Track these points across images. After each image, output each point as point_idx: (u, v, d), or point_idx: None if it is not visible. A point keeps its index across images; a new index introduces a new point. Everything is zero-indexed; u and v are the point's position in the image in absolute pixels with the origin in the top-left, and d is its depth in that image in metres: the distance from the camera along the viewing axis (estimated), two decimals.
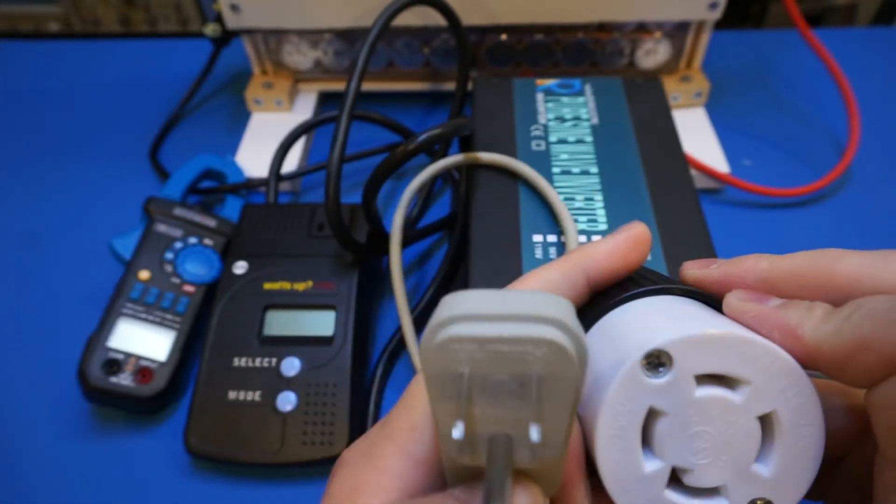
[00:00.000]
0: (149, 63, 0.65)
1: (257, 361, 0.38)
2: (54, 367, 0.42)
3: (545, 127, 0.42)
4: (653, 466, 0.16)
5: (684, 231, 0.35)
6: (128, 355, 0.38)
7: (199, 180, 0.50)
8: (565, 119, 0.42)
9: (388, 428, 0.16)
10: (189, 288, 0.42)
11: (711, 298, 0.19)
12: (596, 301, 0.19)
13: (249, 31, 0.53)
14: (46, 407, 0.40)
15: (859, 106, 0.50)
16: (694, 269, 0.19)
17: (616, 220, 0.36)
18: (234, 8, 0.50)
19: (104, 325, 0.39)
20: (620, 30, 0.52)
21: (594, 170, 0.39)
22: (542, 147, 0.40)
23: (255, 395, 0.37)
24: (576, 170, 0.39)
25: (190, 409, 0.37)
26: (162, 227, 0.43)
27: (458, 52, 0.47)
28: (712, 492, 0.16)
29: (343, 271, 0.41)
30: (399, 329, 0.41)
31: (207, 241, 0.44)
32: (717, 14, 0.49)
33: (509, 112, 0.43)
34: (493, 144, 0.40)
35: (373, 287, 0.44)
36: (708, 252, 0.34)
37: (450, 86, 0.55)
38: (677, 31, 0.52)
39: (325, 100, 0.59)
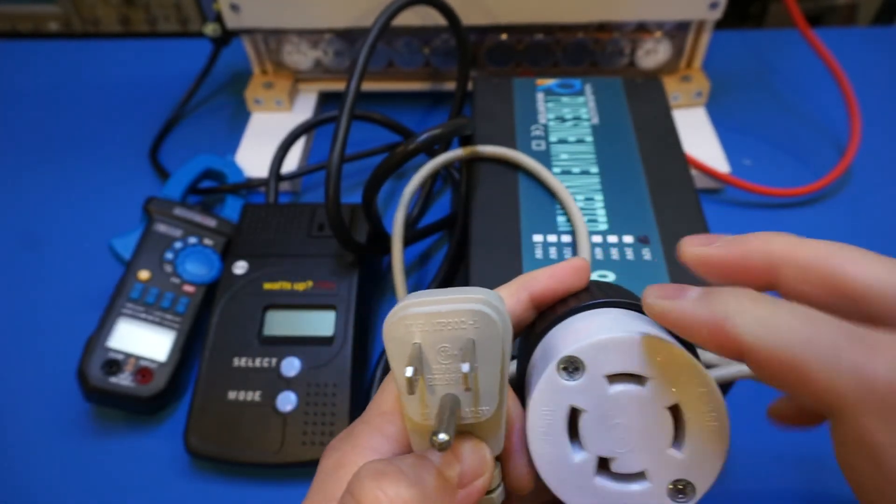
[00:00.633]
0: (149, 63, 0.65)
1: (257, 361, 0.38)
2: (54, 367, 0.42)
3: (545, 127, 0.42)
4: (580, 457, 0.18)
5: (684, 231, 0.35)
6: (127, 355, 0.38)
7: (199, 180, 0.50)
8: (565, 119, 0.42)
9: (365, 415, 0.20)
10: (189, 288, 0.42)
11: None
12: (545, 316, 0.22)
13: (249, 31, 0.53)
14: (46, 407, 0.40)
15: (860, 106, 0.50)
16: (694, 247, 0.19)
17: (616, 219, 0.36)
18: (234, 8, 0.50)
19: (104, 326, 0.39)
20: (620, 30, 0.52)
21: (594, 170, 0.39)
22: (543, 147, 0.40)
23: (255, 395, 0.37)
24: (576, 170, 0.39)
25: (190, 409, 0.37)
26: (162, 227, 0.43)
27: (458, 52, 0.47)
28: (637, 476, 0.18)
29: (343, 271, 0.40)
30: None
31: (207, 241, 0.44)
32: (717, 14, 0.49)
33: (509, 112, 0.43)
34: (493, 144, 0.40)
35: (373, 287, 0.44)
36: None
37: (450, 86, 0.55)
38: (677, 31, 0.52)
39: (325, 100, 0.59)
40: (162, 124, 0.57)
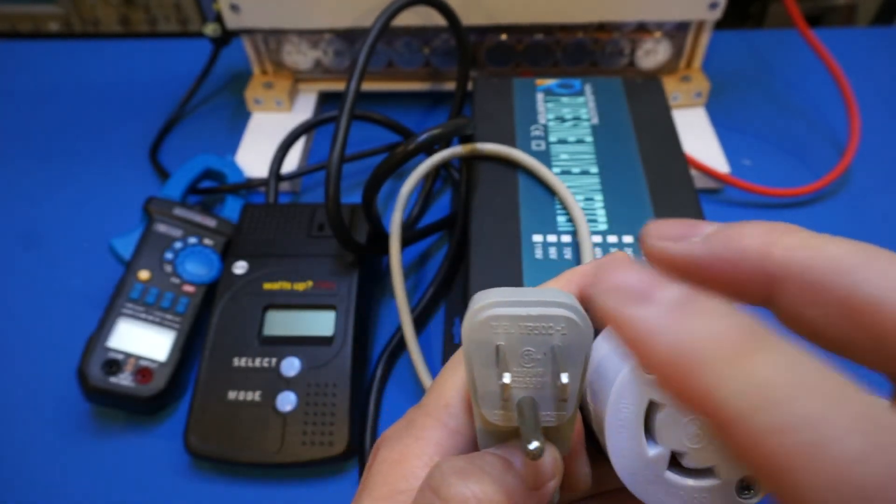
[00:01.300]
0: (149, 63, 0.65)
1: (257, 361, 0.38)
2: (54, 367, 0.42)
3: (545, 127, 0.42)
4: (654, 451, 0.18)
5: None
6: (128, 355, 0.38)
7: (199, 180, 0.50)
8: (565, 119, 0.42)
9: (425, 406, 0.19)
10: (189, 288, 0.42)
11: None
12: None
13: (249, 31, 0.53)
14: (46, 407, 0.40)
15: (859, 106, 0.50)
16: (661, 241, 0.14)
17: (616, 220, 0.36)
18: (234, 8, 0.50)
19: (104, 325, 0.39)
20: (620, 30, 0.52)
21: (594, 170, 0.39)
22: (542, 147, 0.40)
23: (255, 395, 0.37)
24: (576, 170, 0.39)
25: (190, 409, 0.37)
26: (162, 227, 0.43)
27: (458, 52, 0.47)
28: (706, 471, 0.19)
29: (343, 271, 0.41)
30: (399, 329, 0.41)
31: (207, 241, 0.44)
32: (717, 14, 0.49)
33: (509, 112, 0.43)
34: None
35: (373, 287, 0.44)
36: None
37: (450, 86, 0.55)
38: (677, 31, 0.52)
39: (325, 100, 0.59)
40: (162, 124, 0.57)
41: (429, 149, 0.40)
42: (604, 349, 0.20)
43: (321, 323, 0.39)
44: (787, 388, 0.09)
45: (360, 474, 0.37)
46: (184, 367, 0.40)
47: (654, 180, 0.38)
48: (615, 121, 0.42)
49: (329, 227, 0.38)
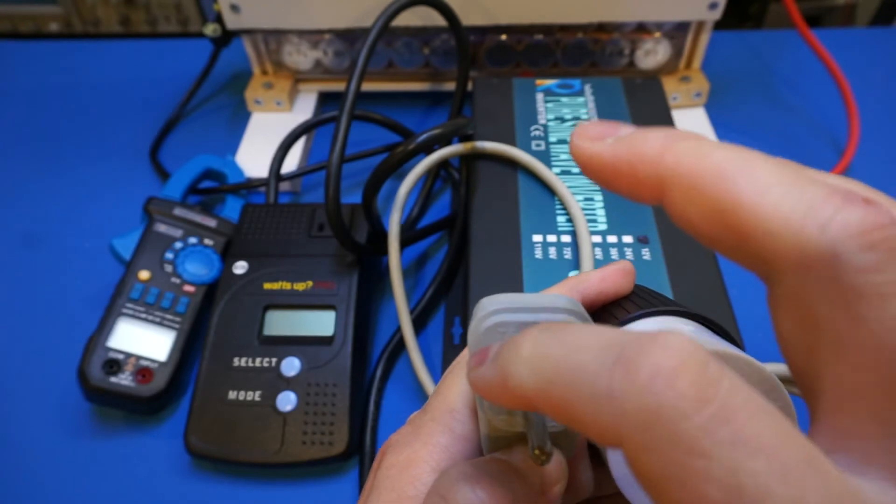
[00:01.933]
0: (149, 63, 0.65)
1: (257, 361, 0.38)
2: (54, 367, 0.42)
3: (545, 127, 0.42)
4: None
5: (684, 231, 0.35)
6: (128, 355, 0.38)
7: (200, 180, 0.50)
8: (565, 119, 0.42)
9: (430, 412, 0.19)
10: (189, 288, 0.42)
11: (706, 319, 0.20)
12: (601, 319, 0.21)
13: (249, 32, 0.53)
14: (46, 407, 0.40)
15: (859, 106, 0.50)
16: (584, 140, 0.15)
17: (616, 220, 0.36)
18: (234, 8, 0.50)
19: (104, 325, 0.39)
20: (620, 30, 0.52)
21: None
22: (542, 147, 0.40)
23: (255, 395, 0.37)
24: (576, 170, 0.39)
25: (190, 409, 0.37)
26: (162, 227, 0.43)
27: (457, 53, 0.47)
28: None
29: (343, 271, 0.41)
30: (399, 329, 0.41)
31: (207, 241, 0.44)
32: (716, 14, 0.49)
33: (509, 112, 0.43)
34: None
35: (373, 287, 0.44)
36: (708, 252, 0.34)
37: (450, 86, 0.55)
38: (677, 32, 0.52)
39: (325, 100, 0.59)
40: (162, 124, 0.57)
41: (429, 149, 0.40)
42: None
43: (321, 323, 0.39)
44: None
45: (361, 474, 0.37)
46: (184, 367, 0.40)
47: None
48: (615, 121, 0.42)
49: (329, 227, 0.38)
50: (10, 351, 0.43)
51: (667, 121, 0.42)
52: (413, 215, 0.48)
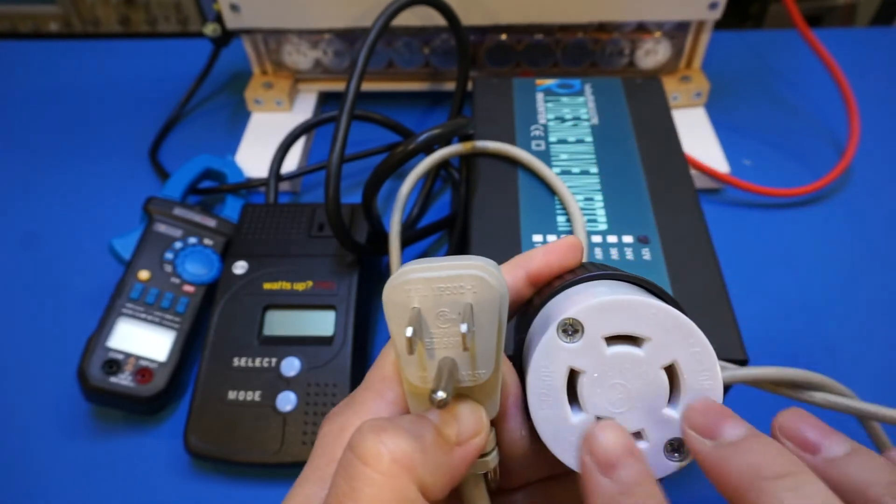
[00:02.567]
0: (149, 63, 0.65)
1: (257, 361, 0.38)
2: (54, 367, 0.42)
3: (545, 127, 0.42)
4: (578, 418, 0.19)
5: (684, 231, 0.35)
6: (127, 355, 0.38)
7: (199, 180, 0.50)
8: (565, 119, 0.42)
9: (365, 382, 0.20)
10: (189, 288, 0.42)
11: (639, 279, 0.21)
12: (542, 292, 0.22)
13: (249, 32, 0.53)
14: (46, 407, 0.40)
15: (859, 106, 0.50)
16: (692, 429, 0.19)
17: (616, 219, 0.36)
18: (234, 8, 0.50)
19: (104, 325, 0.39)
20: (620, 30, 0.52)
21: (594, 170, 0.39)
22: (542, 147, 0.40)
23: (255, 395, 0.37)
24: (576, 170, 0.39)
25: (190, 409, 0.37)
26: (162, 227, 0.43)
27: (457, 52, 0.47)
28: (634, 436, 0.19)
29: (343, 271, 0.41)
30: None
31: (207, 241, 0.44)
32: (717, 14, 0.49)
33: (509, 112, 0.43)
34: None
35: (373, 287, 0.44)
36: (708, 252, 0.34)
37: (450, 86, 0.55)
38: (677, 31, 0.52)
39: (325, 100, 0.59)
40: (162, 124, 0.57)
41: (429, 149, 0.40)
42: (538, 323, 0.21)
43: (321, 323, 0.39)
44: None
45: None
46: (184, 367, 0.40)
47: (654, 180, 0.38)
48: (615, 121, 0.42)
49: (329, 227, 0.38)
50: (10, 351, 0.43)
51: (667, 120, 0.42)
52: (413, 215, 0.48)
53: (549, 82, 0.45)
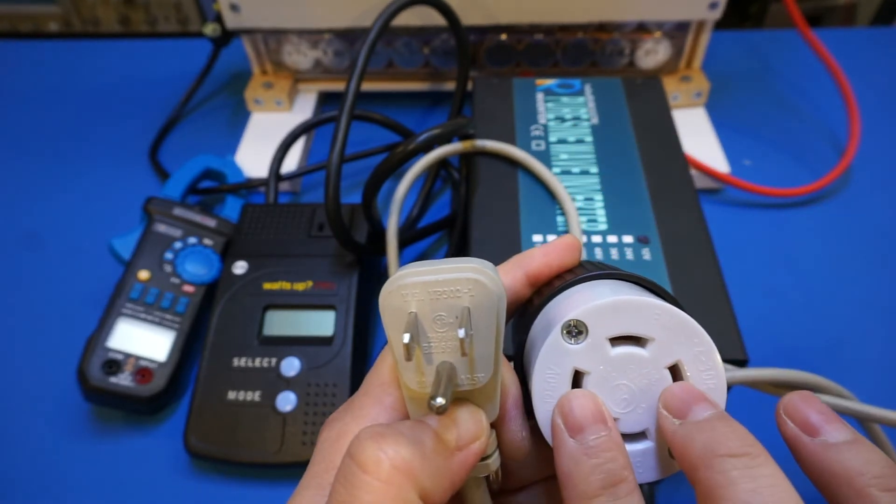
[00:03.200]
0: (149, 63, 0.65)
1: (257, 361, 0.38)
2: (54, 367, 0.42)
3: (545, 127, 0.42)
4: None
5: (684, 231, 0.35)
6: (127, 355, 0.38)
7: (199, 180, 0.50)
8: (565, 119, 0.42)
9: (364, 387, 0.20)
10: (189, 288, 0.42)
11: (640, 278, 0.21)
12: (541, 292, 0.22)
13: (249, 31, 0.53)
14: (46, 407, 0.40)
15: (859, 106, 0.50)
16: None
17: (616, 219, 0.36)
18: (234, 8, 0.50)
19: (104, 326, 0.39)
20: (620, 30, 0.52)
21: (594, 170, 0.39)
22: (542, 147, 0.40)
23: (255, 395, 0.37)
24: (576, 170, 0.39)
25: (190, 409, 0.37)
26: (162, 227, 0.43)
27: (457, 52, 0.47)
28: (639, 436, 0.19)
29: (343, 271, 0.40)
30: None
31: (207, 241, 0.44)
32: (717, 14, 0.49)
33: (509, 112, 0.43)
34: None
35: (373, 287, 0.44)
36: (708, 252, 0.34)
37: (450, 86, 0.55)
38: (677, 31, 0.52)
39: (325, 100, 0.59)
40: (162, 124, 0.57)
41: (428, 149, 0.40)
42: (540, 324, 0.21)
43: (321, 323, 0.39)
44: None
45: None
46: (184, 367, 0.40)
47: (654, 180, 0.38)
48: (615, 121, 0.42)
49: (329, 227, 0.38)
50: (10, 351, 0.43)
51: (667, 120, 0.42)
52: (413, 215, 0.48)
53: (549, 82, 0.45)
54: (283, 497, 0.37)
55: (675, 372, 0.19)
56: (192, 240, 0.43)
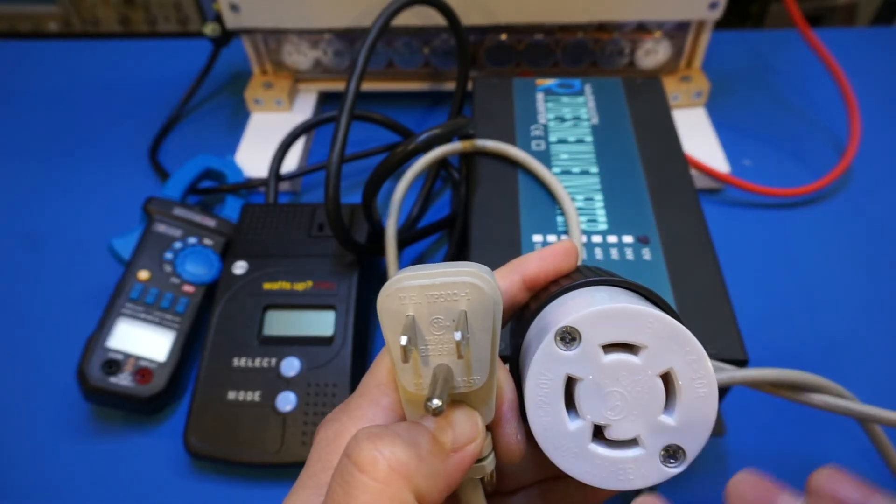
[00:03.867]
0: (149, 63, 0.65)
1: (257, 361, 0.38)
2: (54, 367, 0.42)
3: (545, 127, 0.42)
4: (576, 425, 0.19)
5: (684, 231, 0.35)
6: (127, 355, 0.38)
7: (199, 180, 0.50)
8: (565, 119, 0.42)
9: (360, 388, 0.21)
10: (189, 288, 0.42)
11: (635, 285, 0.21)
12: (538, 297, 0.22)
13: (249, 31, 0.53)
14: (46, 407, 0.40)
15: (859, 106, 0.50)
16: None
17: (616, 219, 0.36)
18: (234, 8, 0.50)
19: (104, 326, 0.39)
20: (620, 30, 0.52)
21: (594, 170, 0.39)
22: (542, 147, 0.40)
23: (255, 395, 0.37)
24: (576, 170, 0.39)
25: (190, 409, 0.37)
26: (162, 227, 0.43)
27: (457, 52, 0.47)
28: (631, 442, 0.19)
29: (343, 271, 0.40)
30: None
31: (207, 241, 0.44)
32: (717, 14, 0.49)
33: (509, 112, 0.43)
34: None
35: (373, 287, 0.44)
36: (708, 252, 0.34)
37: (450, 86, 0.55)
38: (677, 31, 0.52)
39: (325, 100, 0.59)
40: (162, 124, 0.57)
41: (428, 149, 0.40)
42: (535, 329, 0.21)
43: (321, 323, 0.39)
44: None
45: None
46: (183, 367, 0.40)
47: (654, 180, 0.38)
48: (615, 121, 0.42)
49: (329, 227, 0.38)
50: (10, 351, 0.43)
51: (667, 120, 0.42)
52: (413, 215, 0.48)
53: (549, 82, 0.45)
54: (283, 497, 0.37)
55: (668, 380, 0.19)
56: (192, 240, 0.43)
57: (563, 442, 0.19)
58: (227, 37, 0.53)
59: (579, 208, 0.36)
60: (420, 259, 0.47)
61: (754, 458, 0.36)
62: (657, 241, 0.35)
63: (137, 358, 0.39)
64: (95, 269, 0.47)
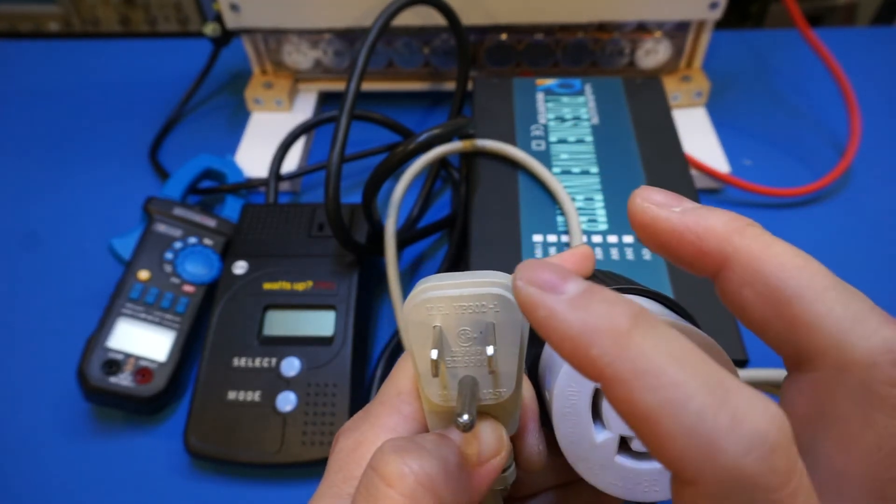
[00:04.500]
0: (149, 63, 0.65)
1: (257, 361, 0.38)
2: (54, 367, 0.42)
3: (545, 127, 0.42)
4: (603, 437, 0.19)
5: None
6: (127, 355, 0.38)
7: (199, 180, 0.50)
8: (565, 119, 0.42)
9: (380, 396, 0.20)
10: (189, 288, 0.42)
11: (658, 294, 0.21)
12: None
13: (249, 31, 0.53)
14: (46, 407, 0.40)
15: (859, 106, 0.50)
16: (649, 203, 0.16)
17: (616, 219, 0.36)
18: (234, 8, 0.50)
19: (104, 326, 0.39)
20: (620, 30, 0.52)
21: (594, 170, 0.39)
22: (543, 147, 0.40)
23: (255, 395, 0.37)
24: (576, 170, 0.39)
25: (190, 409, 0.37)
26: (162, 227, 0.43)
27: (457, 52, 0.47)
28: None
29: (343, 271, 0.40)
30: (399, 329, 0.41)
31: (207, 241, 0.44)
32: (717, 14, 0.49)
33: (509, 112, 0.43)
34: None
35: (373, 287, 0.44)
36: None
37: (450, 86, 0.55)
38: (677, 31, 0.52)
39: (325, 100, 0.59)
40: (162, 124, 0.57)
41: (428, 149, 0.40)
42: None
43: (321, 323, 0.39)
44: (655, 359, 0.12)
45: None
46: (184, 367, 0.40)
47: (654, 180, 0.38)
48: (615, 121, 0.42)
49: (329, 227, 0.38)
50: (10, 351, 0.43)
51: (667, 120, 0.42)
52: (413, 215, 0.48)
53: (549, 82, 0.45)
54: (283, 497, 0.37)
55: None
56: (192, 240, 0.43)
57: (590, 454, 0.19)
58: (227, 37, 0.53)
59: (579, 208, 0.36)
60: (420, 259, 0.47)
61: None
62: None
63: (137, 358, 0.39)
64: (95, 269, 0.47)
